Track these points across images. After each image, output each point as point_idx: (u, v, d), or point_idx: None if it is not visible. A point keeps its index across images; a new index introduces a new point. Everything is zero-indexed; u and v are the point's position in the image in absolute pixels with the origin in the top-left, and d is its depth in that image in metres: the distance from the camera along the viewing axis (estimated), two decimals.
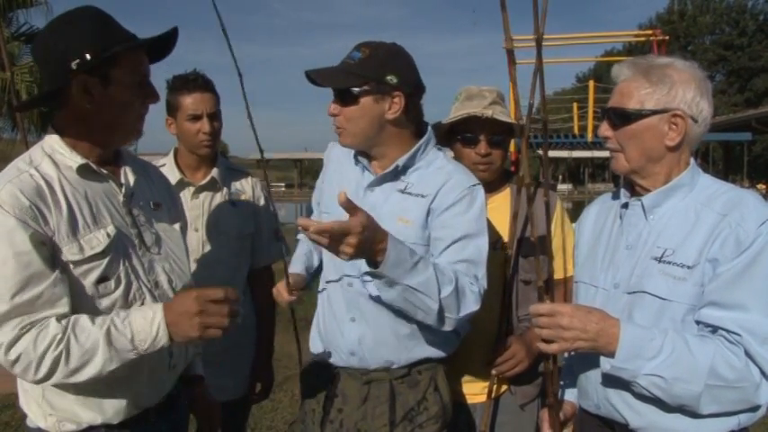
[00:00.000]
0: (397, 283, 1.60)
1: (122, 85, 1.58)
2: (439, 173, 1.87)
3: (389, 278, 1.59)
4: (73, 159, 1.60)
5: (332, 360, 1.94)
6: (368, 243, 1.52)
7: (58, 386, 1.56)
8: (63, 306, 1.49)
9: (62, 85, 1.55)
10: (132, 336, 1.49)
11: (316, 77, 1.81)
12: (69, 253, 1.51)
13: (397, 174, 1.88)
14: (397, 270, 1.58)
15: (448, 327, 1.73)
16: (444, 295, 1.65)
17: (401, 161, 1.85)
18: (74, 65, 1.52)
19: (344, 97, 1.81)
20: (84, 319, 1.49)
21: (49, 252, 1.48)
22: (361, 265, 1.68)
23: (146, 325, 1.50)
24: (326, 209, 1.98)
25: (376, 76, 1.78)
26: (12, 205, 1.44)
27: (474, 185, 1.85)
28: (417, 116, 1.91)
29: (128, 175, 1.72)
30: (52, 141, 1.62)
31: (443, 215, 1.82)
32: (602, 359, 1.52)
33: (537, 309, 1.52)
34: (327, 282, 1.97)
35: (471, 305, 1.73)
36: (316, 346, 2.01)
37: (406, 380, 1.88)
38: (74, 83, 1.54)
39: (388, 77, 1.79)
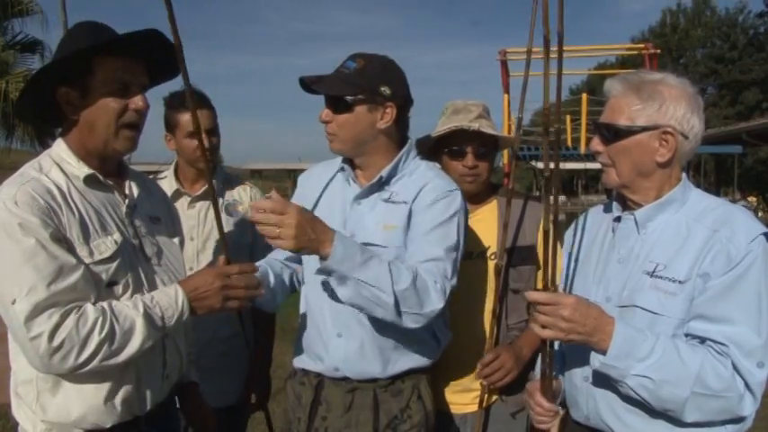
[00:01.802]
0: (347, 278, 1.63)
1: (99, 93, 1.62)
2: (420, 179, 1.91)
3: (339, 272, 1.62)
4: (80, 169, 1.65)
5: (315, 370, 1.96)
6: (307, 232, 1.58)
7: (52, 385, 1.59)
8: (93, 297, 1.54)
9: (38, 99, 1.65)
10: (162, 313, 1.59)
11: (311, 84, 1.84)
12: (81, 255, 1.56)
13: (381, 184, 1.91)
14: (346, 264, 1.61)
15: (411, 323, 1.71)
16: (400, 288, 1.65)
17: (384, 172, 1.89)
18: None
19: (338, 105, 1.84)
20: (116, 302, 1.57)
21: (69, 249, 1.53)
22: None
23: (171, 302, 1.61)
24: None
25: (370, 87, 1.83)
26: (30, 205, 1.50)
27: (453, 190, 1.88)
28: (404, 128, 1.96)
29: (132, 188, 1.77)
30: (60, 150, 1.67)
31: (419, 215, 1.84)
32: (593, 355, 1.53)
33: (539, 297, 1.52)
34: (310, 297, 1.98)
35: (434, 302, 1.71)
36: (299, 360, 2.02)
37: (390, 388, 1.90)
38: (57, 96, 1.62)
39: (382, 88, 1.83)
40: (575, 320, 1.48)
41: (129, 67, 1.65)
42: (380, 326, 1.84)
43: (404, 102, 1.91)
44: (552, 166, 1.57)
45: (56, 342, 1.46)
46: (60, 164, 1.65)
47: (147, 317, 1.56)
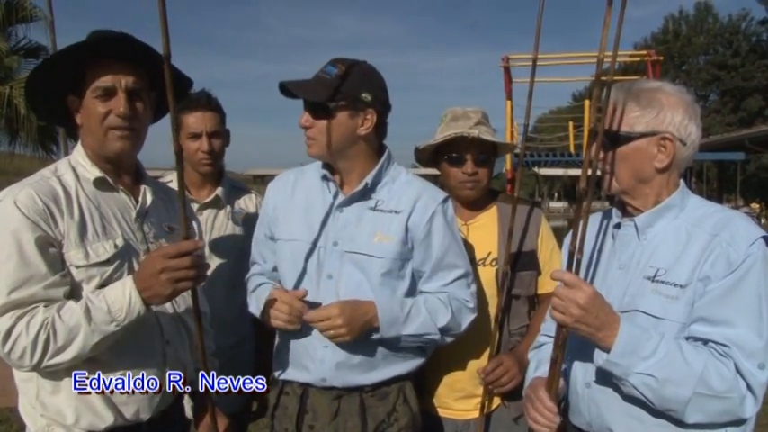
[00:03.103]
0: (398, 338, 1.85)
1: (88, 98, 1.68)
2: (408, 188, 1.93)
3: (390, 337, 1.83)
4: (92, 172, 1.70)
5: (301, 380, 1.95)
6: (357, 320, 1.78)
7: (50, 384, 1.62)
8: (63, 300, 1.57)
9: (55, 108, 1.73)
10: (108, 307, 1.55)
11: (292, 89, 1.85)
12: (75, 257, 1.59)
13: (366, 192, 1.92)
14: (394, 328, 1.83)
15: (450, 339, 1.96)
16: (442, 325, 1.89)
17: (369, 179, 1.90)
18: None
19: (318, 110, 1.85)
20: (70, 302, 1.56)
21: (54, 255, 1.56)
22: (337, 287, 1.86)
23: (119, 294, 1.56)
24: (289, 236, 1.97)
25: (352, 93, 1.84)
26: (27, 206, 1.54)
27: (445, 200, 1.95)
28: (383, 134, 1.97)
29: (146, 195, 1.79)
30: (77, 155, 1.73)
31: (424, 242, 1.89)
32: (596, 352, 1.53)
33: (563, 275, 1.52)
34: None
35: (469, 318, 1.97)
36: (282, 372, 2.00)
37: (376, 393, 1.92)
38: (68, 104, 1.70)
39: (363, 95, 1.85)
40: (588, 310, 1.47)
41: (114, 72, 1.67)
42: (367, 336, 1.85)
43: (383, 108, 1.92)
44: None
45: (8, 345, 1.51)
46: (75, 167, 1.71)
47: (87, 311, 1.55)
